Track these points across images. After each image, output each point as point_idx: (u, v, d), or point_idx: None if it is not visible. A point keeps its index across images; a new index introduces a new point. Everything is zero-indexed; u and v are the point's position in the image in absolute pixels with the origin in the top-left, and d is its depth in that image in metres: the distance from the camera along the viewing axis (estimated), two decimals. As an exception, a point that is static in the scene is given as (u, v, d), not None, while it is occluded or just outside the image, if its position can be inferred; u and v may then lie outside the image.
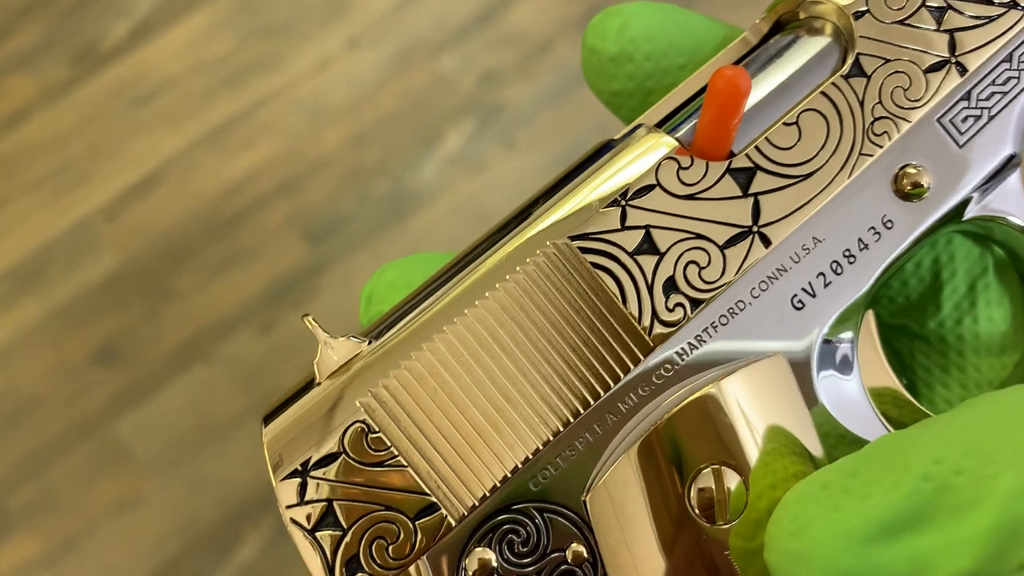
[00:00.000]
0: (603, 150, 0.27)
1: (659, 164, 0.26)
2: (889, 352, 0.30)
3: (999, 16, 0.26)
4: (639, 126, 0.28)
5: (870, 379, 0.27)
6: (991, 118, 0.26)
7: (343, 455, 0.24)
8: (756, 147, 0.26)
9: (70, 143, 1.00)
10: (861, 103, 0.26)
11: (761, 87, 0.27)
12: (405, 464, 0.24)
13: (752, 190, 0.26)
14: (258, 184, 0.99)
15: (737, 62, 0.28)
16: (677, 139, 0.27)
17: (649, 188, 0.26)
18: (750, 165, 0.26)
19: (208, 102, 1.01)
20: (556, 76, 1.02)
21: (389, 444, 0.24)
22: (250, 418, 0.92)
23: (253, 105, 1.01)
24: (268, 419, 0.25)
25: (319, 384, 0.25)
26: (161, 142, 1.00)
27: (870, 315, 0.27)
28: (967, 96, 0.26)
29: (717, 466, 0.24)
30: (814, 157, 0.26)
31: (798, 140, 0.26)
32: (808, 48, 0.27)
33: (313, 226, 0.98)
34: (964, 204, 0.26)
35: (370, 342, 0.25)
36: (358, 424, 0.24)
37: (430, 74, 1.02)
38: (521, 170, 1.00)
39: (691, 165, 0.26)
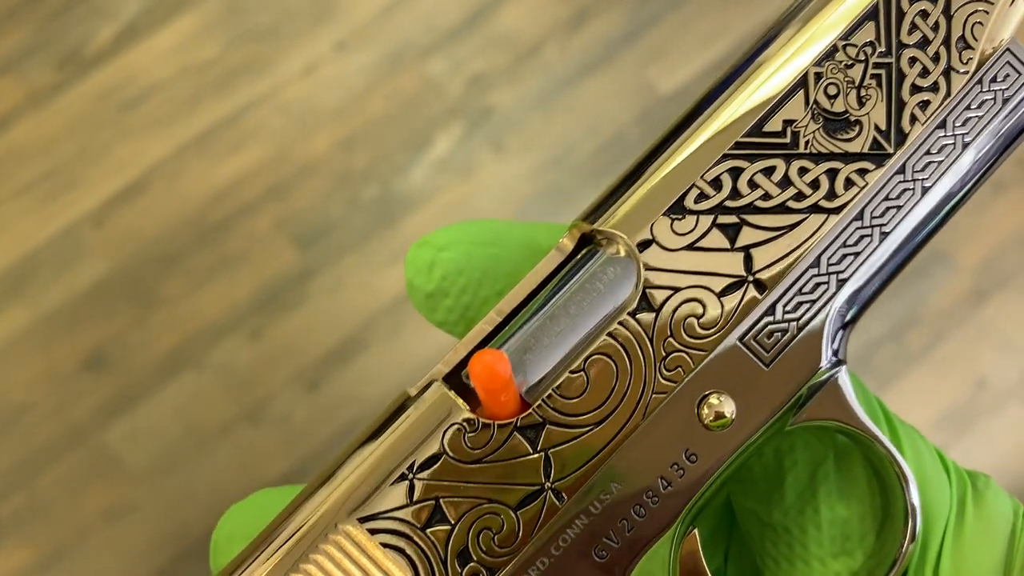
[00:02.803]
0: (400, 410, 0.26)
1: (445, 431, 0.25)
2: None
3: (800, 223, 0.25)
4: (432, 382, 0.26)
5: None
6: (801, 329, 0.24)
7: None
8: (544, 400, 0.24)
9: (56, 148, 0.99)
10: (651, 339, 0.24)
11: (559, 316, 0.25)
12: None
13: (543, 446, 0.24)
14: (246, 189, 0.98)
15: (539, 287, 0.25)
16: (466, 401, 0.25)
17: (436, 458, 0.24)
18: (539, 420, 0.24)
19: (195, 106, 1.01)
20: (545, 79, 1.02)
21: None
22: (240, 424, 0.92)
23: (241, 109, 1.01)
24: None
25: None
26: (148, 147, 0.99)
27: (693, 535, 0.26)
28: (771, 310, 0.24)
29: None
30: (604, 403, 0.24)
31: (586, 388, 0.24)
32: (605, 272, 0.25)
33: (302, 231, 0.97)
34: (781, 420, 0.25)
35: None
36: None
37: (419, 78, 1.02)
38: (510, 174, 0.99)
39: (478, 428, 0.25)
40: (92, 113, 1.00)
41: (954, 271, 0.98)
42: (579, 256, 0.25)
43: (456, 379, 0.26)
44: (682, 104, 1.02)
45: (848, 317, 0.25)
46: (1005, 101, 0.25)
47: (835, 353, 0.25)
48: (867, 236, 0.25)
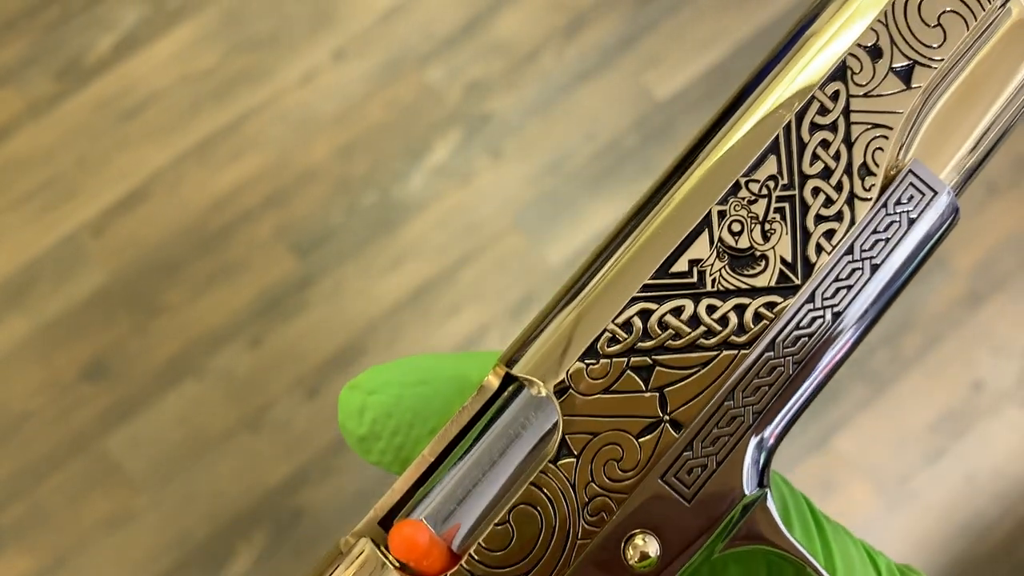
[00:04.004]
0: (330, 566, 0.26)
1: None
2: None
3: (712, 360, 0.25)
4: (361, 538, 0.26)
5: None
6: (720, 462, 0.24)
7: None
8: (472, 555, 0.24)
9: (56, 158, 1.00)
10: (573, 486, 0.24)
11: (483, 463, 0.25)
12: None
13: None
14: (246, 197, 0.99)
15: (465, 430, 0.25)
16: (394, 560, 0.25)
17: None
18: (467, 574, 0.24)
19: (194, 115, 1.01)
20: (542, 85, 1.03)
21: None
22: (240, 431, 0.92)
23: (240, 118, 1.01)
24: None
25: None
26: (148, 156, 1.00)
27: None
28: (689, 447, 0.24)
29: None
30: (530, 554, 0.24)
31: (512, 539, 0.24)
32: (526, 417, 0.25)
33: (301, 238, 0.98)
34: (708, 550, 0.25)
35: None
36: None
37: (417, 85, 1.03)
38: (509, 179, 1.00)
39: None
40: (92, 122, 1.01)
41: (950, 274, 0.98)
42: (504, 395, 0.25)
43: (389, 525, 0.26)
44: (678, 109, 1.03)
45: (767, 445, 0.25)
46: (911, 221, 0.25)
47: (758, 480, 0.25)
48: (779, 366, 0.25)
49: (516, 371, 0.25)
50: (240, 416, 0.93)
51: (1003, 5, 0.25)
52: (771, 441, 0.25)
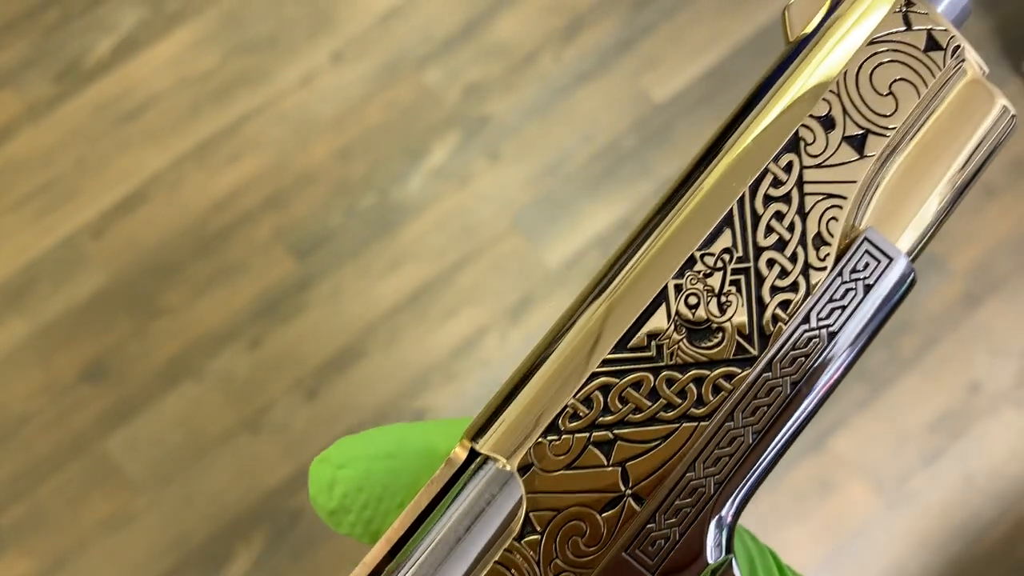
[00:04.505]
0: None
1: None
2: None
3: (672, 432, 0.25)
4: None
5: None
6: (683, 533, 0.25)
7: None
8: None
9: (55, 160, 1.00)
10: (538, 563, 0.25)
11: (449, 540, 0.25)
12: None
13: None
14: (244, 199, 0.99)
15: (431, 506, 0.26)
16: None
17: None
18: None
19: (193, 117, 1.01)
20: (540, 87, 1.03)
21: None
22: (240, 433, 0.93)
23: (238, 120, 1.01)
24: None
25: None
26: (147, 158, 1.00)
27: None
28: (652, 519, 0.25)
29: None
30: None
31: None
32: (491, 494, 0.25)
33: (300, 240, 0.98)
34: None
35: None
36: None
37: (415, 87, 1.03)
38: (507, 181, 1.00)
39: None
40: (91, 124, 1.01)
41: (947, 276, 0.99)
42: (470, 469, 0.26)
43: None
44: (676, 111, 1.03)
45: (730, 512, 0.25)
46: (868, 288, 0.25)
47: (723, 547, 0.25)
48: (739, 436, 0.25)
49: (480, 447, 0.25)
50: (239, 417, 0.93)
51: (956, 67, 0.25)
52: (734, 508, 0.25)
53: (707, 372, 0.25)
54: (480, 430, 0.25)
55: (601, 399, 0.25)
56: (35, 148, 1.00)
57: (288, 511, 0.91)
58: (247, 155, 1.00)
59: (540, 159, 1.01)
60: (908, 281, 0.25)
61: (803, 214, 0.25)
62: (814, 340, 0.25)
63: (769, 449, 0.25)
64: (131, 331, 0.95)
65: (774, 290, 0.25)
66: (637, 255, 0.26)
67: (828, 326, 0.25)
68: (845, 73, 0.25)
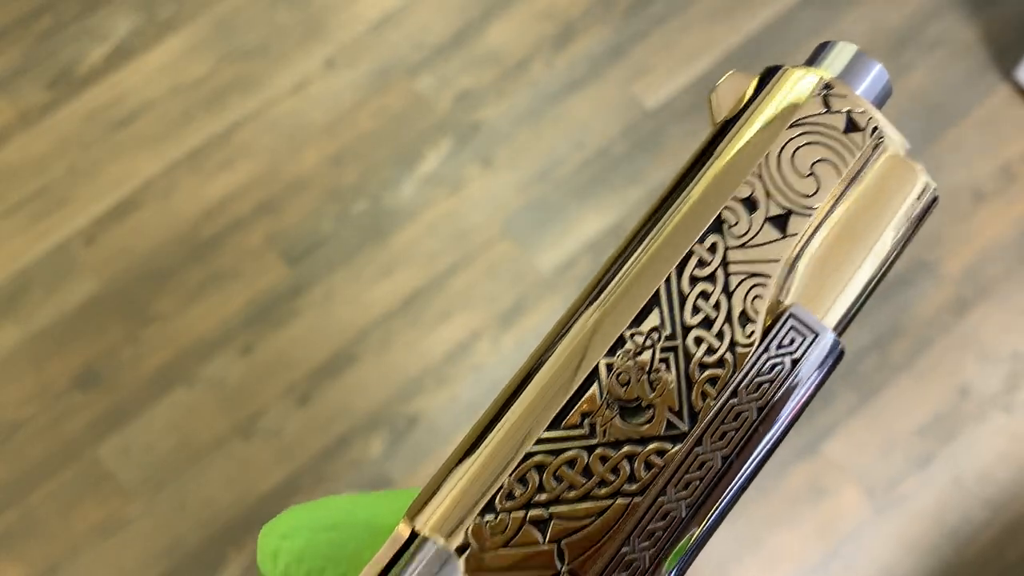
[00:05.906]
0: None
1: None
2: None
3: (606, 509, 0.25)
4: None
5: None
6: None
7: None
8: None
9: (47, 167, 1.00)
10: None
11: None
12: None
13: None
14: (237, 205, 0.99)
15: None
16: None
17: None
18: None
19: (186, 124, 1.02)
20: (532, 94, 1.04)
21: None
22: (232, 439, 0.93)
23: (231, 127, 1.02)
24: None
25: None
26: (139, 165, 1.00)
27: None
28: None
29: None
30: None
31: None
32: (433, 570, 0.26)
33: (292, 246, 0.98)
34: None
35: None
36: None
37: (407, 94, 1.03)
38: (498, 187, 1.01)
39: None
40: (83, 131, 1.01)
41: (937, 280, 0.99)
42: (411, 548, 0.26)
43: None
44: (667, 118, 1.04)
45: None
46: (795, 362, 0.26)
47: None
48: (673, 510, 0.25)
49: (418, 527, 0.25)
50: (231, 424, 0.93)
51: (876, 146, 0.26)
52: None
53: (639, 449, 0.25)
54: (420, 509, 0.26)
55: (536, 478, 0.25)
56: (27, 155, 1.01)
57: (280, 517, 0.91)
58: (239, 162, 1.01)
59: (532, 165, 1.01)
60: (835, 354, 0.26)
61: (728, 293, 0.26)
62: (743, 414, 0.26)
63: (704, 521, 0.26)
64: (123, 337, 0.95)
65: (702, 367, 0.26)
66: (570, 334, 0.26)
67: (756, 400, 0.26)
68: (767, 156, 0.26)
